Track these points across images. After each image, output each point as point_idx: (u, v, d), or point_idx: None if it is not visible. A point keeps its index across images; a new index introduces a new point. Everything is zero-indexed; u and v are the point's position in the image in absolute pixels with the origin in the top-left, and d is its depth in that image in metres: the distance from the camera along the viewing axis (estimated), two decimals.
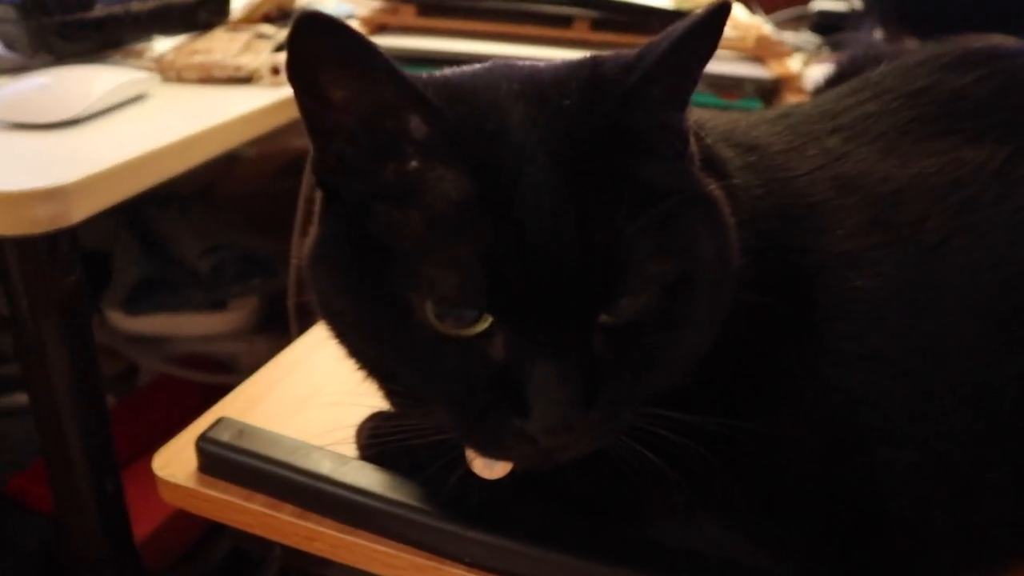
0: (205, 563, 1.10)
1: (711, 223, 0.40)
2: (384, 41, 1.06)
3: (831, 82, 0.61)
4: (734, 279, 0.41)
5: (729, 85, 1.09)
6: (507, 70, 0.42)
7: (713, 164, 0.43)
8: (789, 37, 1.24)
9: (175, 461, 0.53)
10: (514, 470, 0.44)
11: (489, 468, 0.44)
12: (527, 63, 0.43)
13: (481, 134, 0.38)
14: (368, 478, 0.49)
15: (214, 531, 1.09)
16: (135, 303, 1.22)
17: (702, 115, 0.48)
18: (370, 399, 0.50)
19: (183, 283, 1.23)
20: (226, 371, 1.25)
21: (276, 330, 1.20)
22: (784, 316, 0.41)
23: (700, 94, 1.08)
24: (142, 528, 0.93)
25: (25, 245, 0.70)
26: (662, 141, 0.40)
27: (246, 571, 1.09)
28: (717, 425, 0.39)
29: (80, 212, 0.69)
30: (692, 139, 0.42)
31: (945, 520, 0.41)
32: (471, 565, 0.46)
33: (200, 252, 1.23)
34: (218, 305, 1.24)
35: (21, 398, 1.16)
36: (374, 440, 0.52)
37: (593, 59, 0.41)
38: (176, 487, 0.52)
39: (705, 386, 0.41)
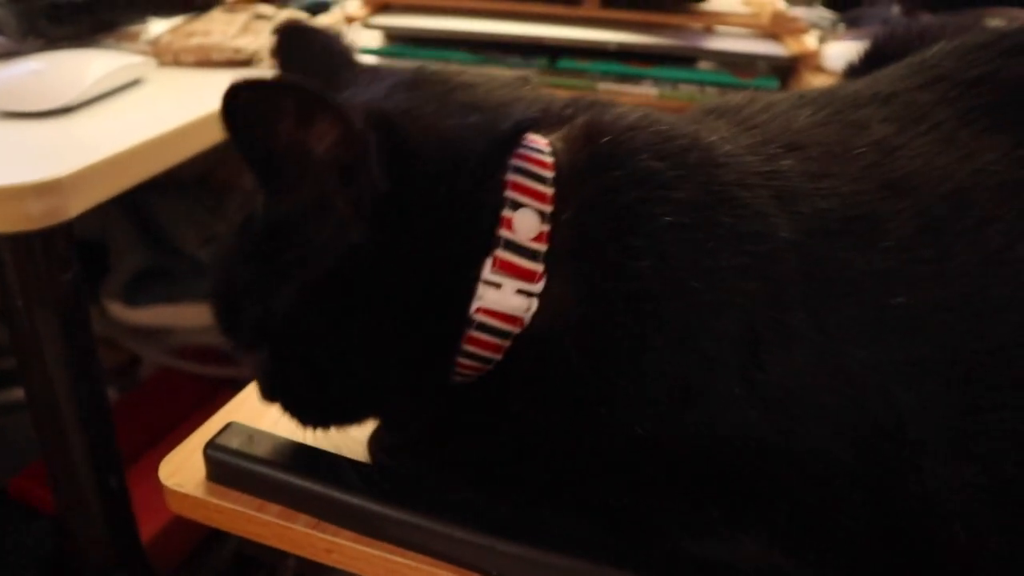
0: (214, 563, 1.08)
1: None
2: (387, 21, 1.03)
3: (867, 59, 0.57)
4: None
5: (744, 63, 1.06)
6: None
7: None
8: (802, 13, 1.21)
9: (183, 469, 0.51)
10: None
11: None
12: None
13: None
14: (387, 485, 0.47)
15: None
16: (135, 294, 1.19)
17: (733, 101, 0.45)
18: None
19: (184, 273, 1.20)
20: (230, 363, 1.23)
21: None
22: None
23: (714, 73, 1.06)
24: (149, 528, 0.91)
25: (19, 242, 0.67)
26: None
27: (256, 572, 1.07)
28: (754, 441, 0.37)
29: (76, 206, 0.66)
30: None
31: (1004, 546, 0.38)
32: None
33: (201, 240, 1.20)
34: None
35: (20, 393, 1.14)
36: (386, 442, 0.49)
37: None
38: (184, 497, 0.50)
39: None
